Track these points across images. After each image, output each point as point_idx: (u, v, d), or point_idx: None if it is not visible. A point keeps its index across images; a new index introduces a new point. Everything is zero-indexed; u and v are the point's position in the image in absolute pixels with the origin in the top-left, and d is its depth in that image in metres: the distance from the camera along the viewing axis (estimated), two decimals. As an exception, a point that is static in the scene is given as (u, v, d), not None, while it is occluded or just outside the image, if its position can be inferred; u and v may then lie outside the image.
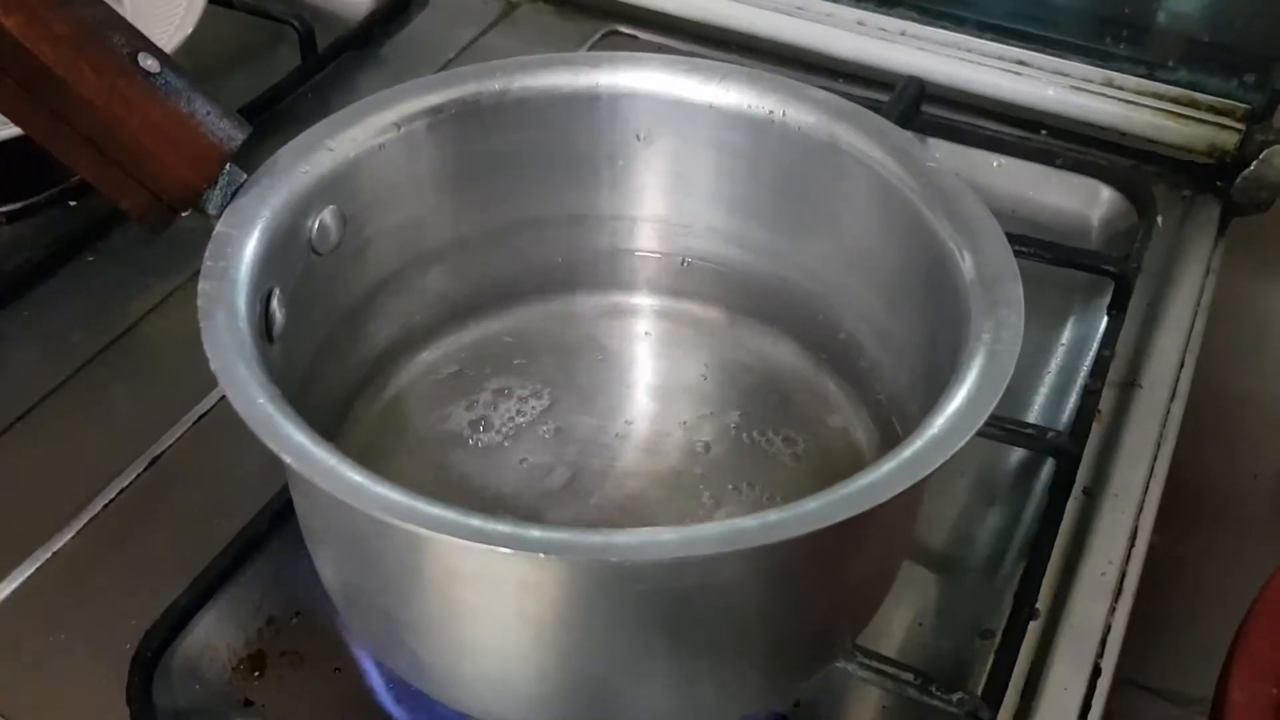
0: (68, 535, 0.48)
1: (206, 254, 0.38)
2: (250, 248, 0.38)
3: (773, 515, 0.31)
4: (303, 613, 0.46)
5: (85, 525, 0.48)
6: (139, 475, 0.50)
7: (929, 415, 0.34)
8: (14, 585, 0.46)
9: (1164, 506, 0.51)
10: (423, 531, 0.31)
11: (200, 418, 0.52)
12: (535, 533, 0.30)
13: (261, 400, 0.33)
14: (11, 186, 0.61)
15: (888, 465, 0.32)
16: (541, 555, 0.30)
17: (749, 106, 0.46)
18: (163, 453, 0.51)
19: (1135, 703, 0.97)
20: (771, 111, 0.45)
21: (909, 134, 0.44)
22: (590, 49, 0.74)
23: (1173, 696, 0.96)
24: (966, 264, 0.39)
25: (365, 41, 0.74)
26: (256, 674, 0.44)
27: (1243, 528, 0.88)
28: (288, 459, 0.32)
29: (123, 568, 0.47)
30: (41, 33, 0.36)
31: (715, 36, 0.73)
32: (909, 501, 0.33)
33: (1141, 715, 0.98)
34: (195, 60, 0.69)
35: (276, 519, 0.46)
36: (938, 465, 0.32)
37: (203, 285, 0.37)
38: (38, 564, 0.47)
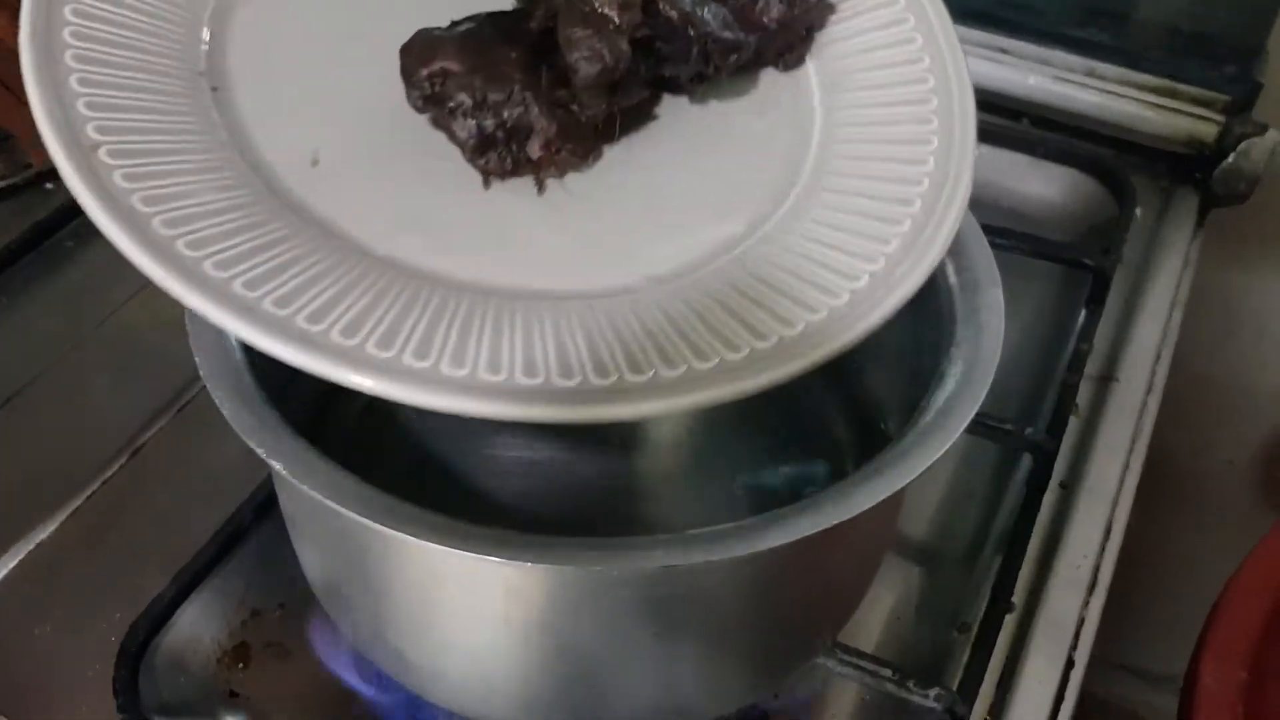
0: (50, 528, 0.48)
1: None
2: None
3: (756, 524, 0.31)
4: (286, 604, 0.46)
5: (68, 517, 0.48)
6: (121, 466, 0.50)
7: (909, 422, 0.34)
8: (-3, 578, 0.46)
9: (1139, 489, 0.52)
10: (409, 537, 0.31)
11: (182, 407, 0.52)
12: (523, 539, 0.31)
13: (250, 405, 0.34)
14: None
15: (869, 472, 0.33)
16: (529, 564, 0.30)
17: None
18: (145, 443, 0.51)
19: (1107, 680, 0.99)
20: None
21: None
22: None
23: (1143, 674, 0.98)
24: (948, 267, 0.39)
25: None
26: (241, 665, 0.45)
27: (1215, 510, 0.90)
28: (276, 465, 0.32)
29: (106, 560, 0.47)
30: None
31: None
32: (889, 506, 0.34)
33: (1113, 692, 0.99)
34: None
35: (260, 511, 0.47)
36: (918, 473, 0.33)
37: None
38: (20, 556, 0.47)
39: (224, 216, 0.33)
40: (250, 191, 0.34)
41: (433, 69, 0.36)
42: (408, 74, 0.37)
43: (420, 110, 0.37)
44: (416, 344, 0.32)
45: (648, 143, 0.40)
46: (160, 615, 0.44)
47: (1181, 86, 0.66)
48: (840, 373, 0.48)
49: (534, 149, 0.36)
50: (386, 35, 0.37)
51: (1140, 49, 0.66)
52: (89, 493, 0.49)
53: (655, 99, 0.40)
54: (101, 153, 0.33)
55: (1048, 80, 0.67)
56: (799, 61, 0.41)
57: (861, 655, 0.41)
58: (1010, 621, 0.46)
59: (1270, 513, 0.87)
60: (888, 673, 0.41)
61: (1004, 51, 0.68)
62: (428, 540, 0.31)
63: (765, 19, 0.39)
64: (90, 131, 0.33)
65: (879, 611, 0.47)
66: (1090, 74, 0.67)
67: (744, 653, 0.38)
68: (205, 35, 0.37)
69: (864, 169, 0.39)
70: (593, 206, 0.38)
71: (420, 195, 0.37)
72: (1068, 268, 0.60)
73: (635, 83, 0.38)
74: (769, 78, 0.42)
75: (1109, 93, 0.67)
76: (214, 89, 0.36)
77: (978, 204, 0.42)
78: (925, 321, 0.40)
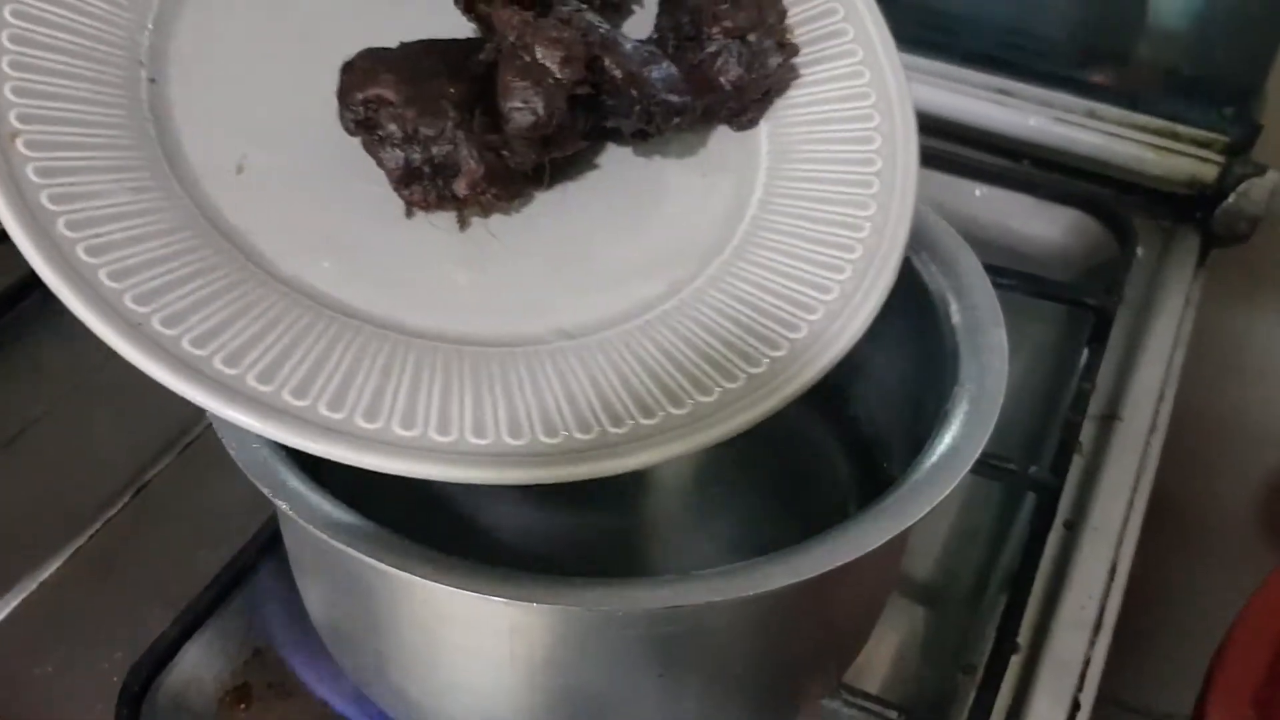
0: (54, 566, 0.48)
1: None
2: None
3: (761, 564, 0.31)
4: (289, 644, 0.46)
5: (71, 556, 0.48)
6: (125, 505, 0.50)
7: (914, 462, 0.34)
8: (-1, 617, 0.46)
9: (1143, 527, 0.52)
10: (414, 577, 0.31)
11: (187, 446, 0.52)
12: (528, 579, 0.31)
13: (255, 443, 0.34)
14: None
15: (873, 513, 0.33)
16: (535, 603, 0.30)
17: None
18: (149, 482, 0.51)
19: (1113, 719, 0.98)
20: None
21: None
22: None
23: (1148, 714, 0.97)
24: (951, 307, 0.40)
25: None
26: (243, 706, 0.44)
27: (1219, 549, 0.89)
28: (281, 504, 0.32)
29: (109, 599, 0.47)
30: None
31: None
32: (894, 547, 0.34)
33: (1118, 732, 0.98)
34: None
35: (263, 551, 0.46)
36: (923, 514, 0.33)
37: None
38: (23, 595, 0.47)
39: (130, 221, 0.32)
40: (164, 195, 0.33)
41: (368, 94, 0.35)
42: (343, 96, 0.36)
43: (351, 133, 0.36)
44: (300, 380, 0.31)
45: (583, 191, 0.39)
46: (163, 655, 0.43)
47: (1181, 128, 0.66)
48: (842, 413, 0.48)
49: (460, 188, 0.36)
50: (338, 45, 0.36)
51: (1140, 91, 0.67)
52: (92, 531, 0.49)
53: (597, 147, 0.39)
54: (19, 142, 0.31)
55: (1048, 121, 0.68)
56: (753, 124, 0.40)
57: (867, 696, 0.41)
58: (1016, 662, 0.46)
59: (1275, 551, 0.87)
60: (893, 714, 0.41)
61: (1005, 93, 0.69)
62: (433, 579, 0.30)
63: (722, 79, 0.38)
64: (12, 119, 0.32)
65: (884, 652, 0.47)
66: (1091, 115, 0.68)
67: (748, 693, 0.38)
68: (150, 23, 0.36)
69: (789, 247, 0.38)
70: (513, 252, 0.37)
71: (339, 217, 0.36)
72: (1070, 307, 0.60)
73: (571, 135, 0.37)
74: (721, 135, 0.41)
75: (1109, 134, 0.67)
76: (151, 80, 0.35)
77: (980, 244, 0.42)
78: (928, 362, 0.40)
